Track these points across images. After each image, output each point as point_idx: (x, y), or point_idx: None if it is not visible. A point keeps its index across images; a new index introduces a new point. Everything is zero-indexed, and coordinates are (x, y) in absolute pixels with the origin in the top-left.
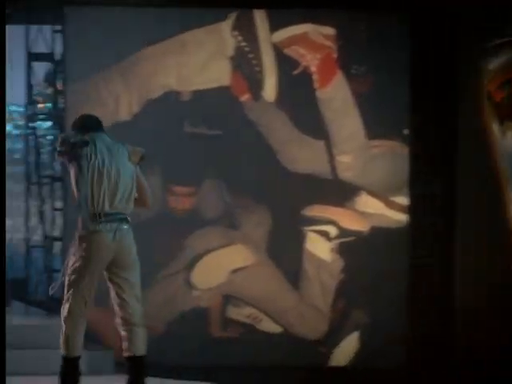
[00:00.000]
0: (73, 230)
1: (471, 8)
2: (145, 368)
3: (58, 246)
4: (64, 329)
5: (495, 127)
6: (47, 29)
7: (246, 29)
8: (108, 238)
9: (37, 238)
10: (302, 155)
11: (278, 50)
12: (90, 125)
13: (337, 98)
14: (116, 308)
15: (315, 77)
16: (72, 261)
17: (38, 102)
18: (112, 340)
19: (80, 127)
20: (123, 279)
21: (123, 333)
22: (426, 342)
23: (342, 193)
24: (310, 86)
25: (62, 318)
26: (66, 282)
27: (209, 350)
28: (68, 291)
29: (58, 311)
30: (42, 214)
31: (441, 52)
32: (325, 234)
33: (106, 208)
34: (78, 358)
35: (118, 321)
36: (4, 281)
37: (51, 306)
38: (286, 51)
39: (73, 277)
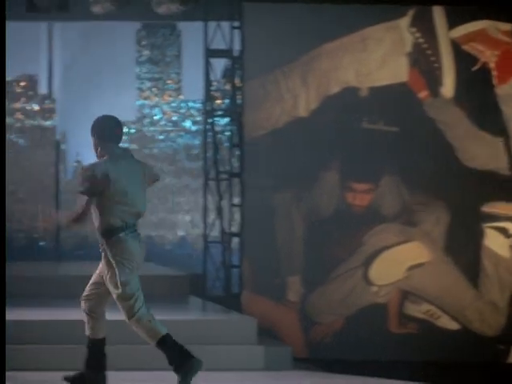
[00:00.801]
0: (251, 225)
1: None
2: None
3: (236, 241)
4: (147, 329)
5: None
6: (225, 25)
7: (423, 25)
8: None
9: (215, 233)
10: (480, 152)
11: (455, 46)
12: (115, 137)
13: None
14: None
15: (494, 73)
16: (118, 267)
17: (216, 98)
18: (290, 337)
19: (108, 139)
20: None
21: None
22: None
23: None
24: (488, 83)
25: (143, 327)
26: (122, 291)
27: (386, 345)
28: (131, 298)
29: (235, 307)
30: (219, 210)
31: None
32: (503, 231)
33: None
34: (167, 335)
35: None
36: (4, 280)
37: (228, 301)
38: (464, 47)
39: (130, 281)
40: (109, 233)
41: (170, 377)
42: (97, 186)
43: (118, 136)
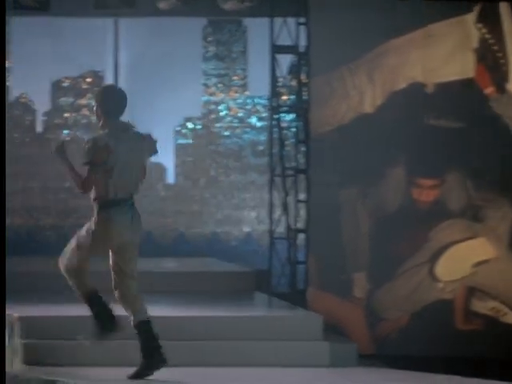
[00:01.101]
0: (317, 222)
1: None
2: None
3: (301, 237)
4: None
5: None
6: (291, 21)
7: (490, 21)
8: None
9: (280, 230)
10: None
11: None
12: (116, 110)
13: None
14: None
15: None
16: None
17: (282, 94)
18: (355, 334)
19: (110, 113)
20: None
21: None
22: None
23: None
24: None
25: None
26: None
27: (452, 341)
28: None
29: (300, 303)
30: (285, 206)
31: None
32: None
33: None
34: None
35: None
36: (4, 280)
37: (294, 297)
38: None
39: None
40: (101, 206)
41: (178, 373)
42: (98, 156)
43: (121, 109)
